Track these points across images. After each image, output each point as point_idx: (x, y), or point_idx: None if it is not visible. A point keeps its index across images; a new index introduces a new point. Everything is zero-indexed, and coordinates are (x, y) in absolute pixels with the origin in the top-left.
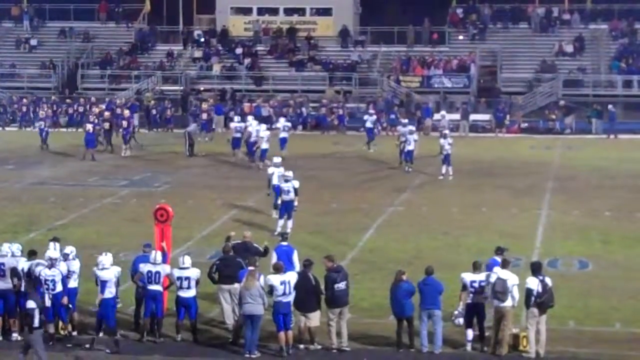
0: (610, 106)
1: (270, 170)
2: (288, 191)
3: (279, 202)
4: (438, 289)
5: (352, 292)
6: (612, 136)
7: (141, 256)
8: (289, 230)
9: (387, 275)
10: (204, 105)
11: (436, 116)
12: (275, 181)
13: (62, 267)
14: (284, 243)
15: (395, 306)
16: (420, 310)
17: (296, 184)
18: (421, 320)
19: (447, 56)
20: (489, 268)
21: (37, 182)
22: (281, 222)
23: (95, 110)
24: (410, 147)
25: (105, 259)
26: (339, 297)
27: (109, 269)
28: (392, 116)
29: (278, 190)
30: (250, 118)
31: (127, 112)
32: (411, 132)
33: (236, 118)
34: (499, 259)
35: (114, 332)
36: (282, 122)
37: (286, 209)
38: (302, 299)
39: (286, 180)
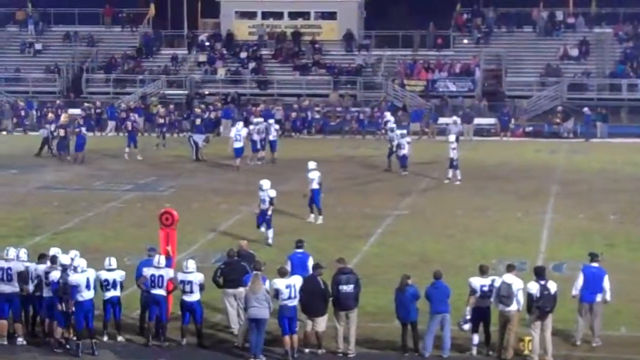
0: (585, 109)
1: (311, 175)
2: (264, 200)
3: (258, 211)
4: (447, 293)
5: None
6: (586, 140)
7: (146, 260)
8: (270, 241)
9: (392, 279)
10: (197, 110)
11: (444, 120)
12: (315, 185)
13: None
14: (300, 250)
15: (400, 310)
16: (430, 314)
17: (272, 193)
18: (430, 325)
19: (452, 60)
20: (587, 275)
21: (41, 186)
22: (264, 231)
23: (50, 115)
24: (404, 152)
25: (80, 261)
26: (344, 299)
27: (82, 273)
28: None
29: (317, 194)
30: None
31: (135, 116)
32: (403, 136)
33: (256, 120)
34: (595, 264)
35: (77, 335)
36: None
37: (264, 218)
38: (310, 302)
39: (262, 190)
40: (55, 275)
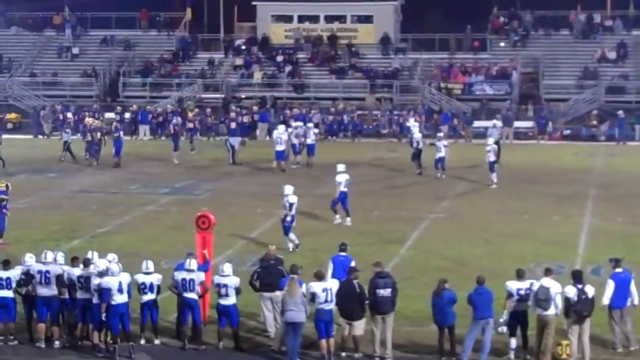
0: (620, 112)
1: (339, 177)
2: (284, 206)
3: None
4: (490, 298)
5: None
6: (620, 143)
7: (181, 264)
8: (296, 241)
9: (429, 283)
10: (232, 114)
11: (480, 123)
12: (342, 188)
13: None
14: (342, 253)
15: (437, 314)
16: (473, 319)
17: (292, 199)
18: (471, 330)
19: (489, 63)
20: (617, 282)
21: (78, 190)
22: (292, 235)
23: (89, 120)
24: (440, 154)
25: (113, 266)
26: (381, 303)
27: (113, 276)
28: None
29: (343, 196)
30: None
31: (178, 119)
32: (439, 139)
33: (295, 124)
34: (620, 270)
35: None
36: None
37: (286, 224)
38: (347, 306)
39: (283, 195)
40: (95, 281)
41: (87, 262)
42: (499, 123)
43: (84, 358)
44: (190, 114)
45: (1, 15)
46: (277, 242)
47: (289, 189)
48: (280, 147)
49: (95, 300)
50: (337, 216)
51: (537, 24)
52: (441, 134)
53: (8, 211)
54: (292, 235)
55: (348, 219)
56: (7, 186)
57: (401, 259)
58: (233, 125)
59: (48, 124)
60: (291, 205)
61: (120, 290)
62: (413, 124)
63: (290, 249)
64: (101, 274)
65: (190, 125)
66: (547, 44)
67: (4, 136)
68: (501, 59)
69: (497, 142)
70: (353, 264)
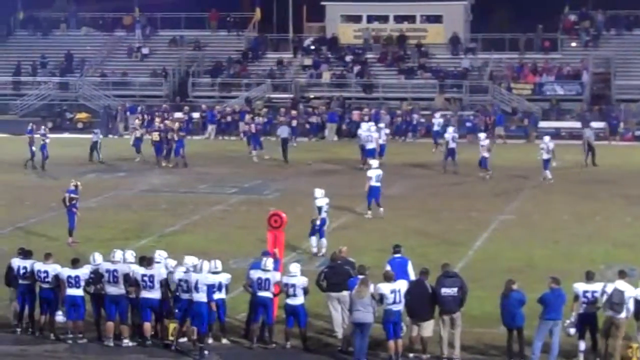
0: None
1: (369, 173)
2: (320, 209)
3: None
4: (564, 300)
5: None
6: None
7: (256, 262)
8: (323, 250)
9: (498, 284)
10: (293, 112)
11: (547, 124)
12: (372, 182)
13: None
14: (397, 255)
15: (505, 316)
16: (541, 320)
17: (319, 202)
18: (540, 331)
19: (560, 63)
20: None
21: (148, 190)
22: (314, 239)
23: (137, 121)
24: (482, 154)
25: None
26: (446, 302)
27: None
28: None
29: (374, 192)
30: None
31: (259, 119)
32: (481, 140)
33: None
34: None
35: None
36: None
37: (315, 228)
38: (417, 307)
39: (314, 199)
40: (178, 275)
41: (150, 261)
42: (592, 124)
43: (152, 357)
44: (247, 116)
45: (72, 16)
46: (343, 242)
47: (318, 192)
48: (371, 146)
49: (197, 298)
50: (374, 211)
51: (609, 23)
52: (482, 135)
53: (78, 210)
54: (323, 241)
55: (369, 212)
56: (76, 185)
57: (470, 260)
58: (293, 123)
59: (122, 124)
60: (319, 209)
61: (196, 289)
62: (438, 121)
63: (315, 253)
64: (171, 271)
65: (246, 127)
66: (619, 44)
67: (72, 135)
68: (572, 59)
69: (590, 144)
70: (410, 264)
